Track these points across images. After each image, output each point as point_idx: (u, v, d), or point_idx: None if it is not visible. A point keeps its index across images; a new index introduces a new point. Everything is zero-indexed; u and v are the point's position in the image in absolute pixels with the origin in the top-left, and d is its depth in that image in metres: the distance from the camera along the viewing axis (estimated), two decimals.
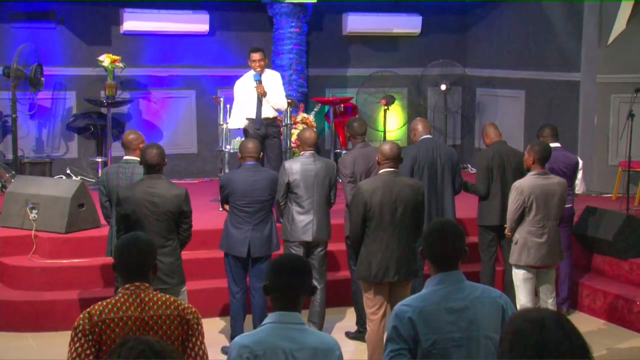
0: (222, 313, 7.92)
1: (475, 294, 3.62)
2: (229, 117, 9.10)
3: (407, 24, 12.47)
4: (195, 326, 3.64)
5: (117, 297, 3.61)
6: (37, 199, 8.34)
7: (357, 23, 12.19)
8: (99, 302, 3.61)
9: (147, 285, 3.66)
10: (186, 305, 3.69)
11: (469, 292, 3.61)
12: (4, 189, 9.55)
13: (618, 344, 7.41)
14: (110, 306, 3.56)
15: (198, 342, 3.64)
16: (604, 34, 10.61)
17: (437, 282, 3.62)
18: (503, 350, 2.46)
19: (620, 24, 10.42)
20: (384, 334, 5.90)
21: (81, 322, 3.52)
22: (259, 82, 8.62)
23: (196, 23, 11.49)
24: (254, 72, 8.71)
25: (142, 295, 3.61)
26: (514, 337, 2.43)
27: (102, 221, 7.92)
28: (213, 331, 7.49)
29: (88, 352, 3.47)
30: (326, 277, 7.29)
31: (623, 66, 10.32)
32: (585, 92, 10.80)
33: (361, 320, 7.35)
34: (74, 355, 3.47)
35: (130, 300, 3.59)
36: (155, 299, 3.63)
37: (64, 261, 8.00)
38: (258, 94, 8.62)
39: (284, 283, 3.45)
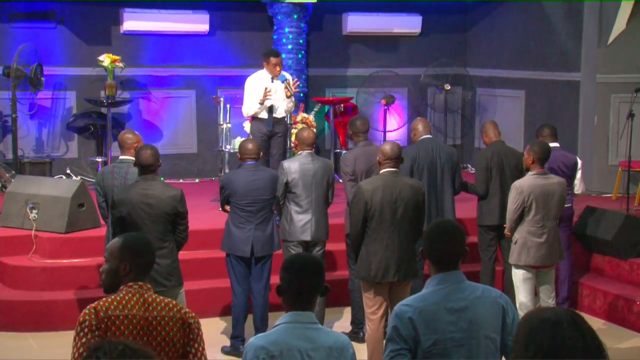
0: (222, 313, 7.92)
1: (475, 294, 3.61)
2: (245, 106, 8.79)
3: (407, 24, 12.47)
4: (197, 331, 3.65)
5: (121, 295, 3.61)
6: (37, 199, 8.34)
7: (357, 23, 12.19)
8: (104, 299, 3.61)
9: (149, 286, 3.68)
10: (187, 309, 3.71)
11: (469, 292, 3.61)
12: (4, 189, 9.56)
13: (618, 344, 7.41)
14: (115, 303, 3.57)
15: (200, 348, 3.65)
16: (604, 34, 10.60)
17: (438, 282, 3.62)
18: (518, 349, 2.43)
19: (620, 24, 10.42)
20: (384, 334, 5.91)
21: (87, 317, 3.51)
22: (284, 82, 8.60)
23: (196, 23, 11.49)
24: (276, 74, 8.65)
25: (146, 295, 3.62)
26: (528, 336, 2.39)
27: (102, 221, 7.92)
28: (213, 331, 7.50)
29: None
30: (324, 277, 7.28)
31: (623, 66, 10.33)
32: (585, 92, 10.80)
33: (356, 320, 7.36)
34: (82, 350, 3.45)
35: (135, 299, 3.60)
36: (157, 300, 3.64)
37: (64, 261, 8.00)
38: (286, 96, 8.61)
39: (298, 283, 3.44)
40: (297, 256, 3.72)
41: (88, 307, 3.57)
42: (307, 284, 3.46)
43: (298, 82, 8.94)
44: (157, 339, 3.55)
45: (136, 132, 7.13)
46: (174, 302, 3.70)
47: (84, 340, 3.47)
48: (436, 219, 6.97)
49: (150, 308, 3.59)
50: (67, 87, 11.21)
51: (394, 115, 12.22)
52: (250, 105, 8.70)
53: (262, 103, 8.58)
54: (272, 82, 8.66)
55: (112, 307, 3.55)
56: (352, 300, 7.39)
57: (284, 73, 8.83)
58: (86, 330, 3.49)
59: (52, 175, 10.62)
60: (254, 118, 8.76)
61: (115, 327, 3.51)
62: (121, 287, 3.66)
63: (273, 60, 8.67)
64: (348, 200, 7.09)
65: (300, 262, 3.54)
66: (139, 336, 3.53)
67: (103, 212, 6.90)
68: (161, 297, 3.68)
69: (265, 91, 8.54)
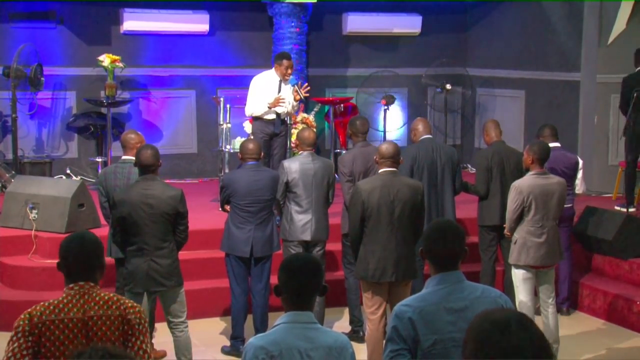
0: (222, 313, 7.92)
1: (475, 294, 3.62)
2: (249, 106, 8.80)
3: (407, 24, 12.47)
4: (137, 326, 3.57)
5: (60, 298, 3.56)
6: (37, 199, 8.34)
7: (357, 23, 12.20)
8: (42, 303, 3.56)
9: (92, 284, 3.59)
10: (130, 304, 3.62)
11: (469, 292, 3.61)
12: (4, 189, 9.56)
13: (618, 344, 7.41)
14: (52, 307, 3.52)
15: (138, 342, 3.57)
16: (604, 34, 10.61)
17: (437, 282, 3.62)
18: (467, 352, 2.44)
19: (620, 24, 10.42)
20: (383, 334, 5.91)
21: (21, 322, 3.49)
22: (294, 86, 8.65)
23: (196, 23, 11.49)
24: (287, 77, 8.70)
25: (86, 296, 3.55)
26: (477, 338, 2.40)
27: (103, 221, 7.92)
28: (213, 331, 7.50)
29: (25, 352, 3.44)
30: (325, 277, 7.29)
31: (623, 66, 10.30)
32: (585, 92, 10.80)
33: (355, 319, 7.36)
34: (10, 354, 3.43)
35: (74, 301, 3.54)
36: (97, 298, 3.57)
37: None
38: (295, 99, 8.69)
39: (296, 283, 3.43)
40: (294, 256, 3.71)
41: (25, 311, 3.53)
42: (305, 283, 3.45)
43: (309, 87, 8.93)
44: (94, 339, 3.50)
45: (139, 132, 7.12)
46: (115, 297, 3.63)
47: (15, 345, 3.45)
48: (436, 219, 6.97)
49: (88, 308, 3.53)
50: (67, 87, 11.22)
51: (394, 115, 12.22)
52: (256, 105, 8.70)
53: (270, 107, 8.58)
54: (281, 84, 8.67)
55: (47, 312, 3.50)
56: (349, 299, 7.40)
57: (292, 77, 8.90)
58: (19, 335, 3.46)
59: (52, 175, 10.62)
60: (256, 118, 8.75)
61: (50, 332, 3.47)
62: (64, 289, 3.60)
63: (286, 62, 8.67)
64: (345, 201, 7.10)
65: (297, 262, 3.53)
66: (77, 339, 3.48)
67: (105, 212, 6.89)
68: (103, 294, 3.60)
69: (278, 99, 8.55)
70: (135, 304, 3.66)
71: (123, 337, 3.54)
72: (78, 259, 3.59)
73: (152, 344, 3.72)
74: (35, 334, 3.46)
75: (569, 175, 7.65)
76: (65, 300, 3.54)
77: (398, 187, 6.20)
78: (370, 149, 7.27)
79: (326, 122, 12.04)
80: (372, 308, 6.26)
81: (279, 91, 8.71)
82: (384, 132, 11.44)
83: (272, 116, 8.67)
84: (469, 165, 12.29)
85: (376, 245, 6.19)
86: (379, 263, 6.18)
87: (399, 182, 6.24)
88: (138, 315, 3.59)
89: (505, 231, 6.98)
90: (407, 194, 6.20)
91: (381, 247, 6.18)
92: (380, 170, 6.33)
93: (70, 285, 3.58)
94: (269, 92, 8.65)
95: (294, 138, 9.52)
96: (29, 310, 3.53)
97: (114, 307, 3.56)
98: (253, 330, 6.99)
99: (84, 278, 3.58)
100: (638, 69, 9.33)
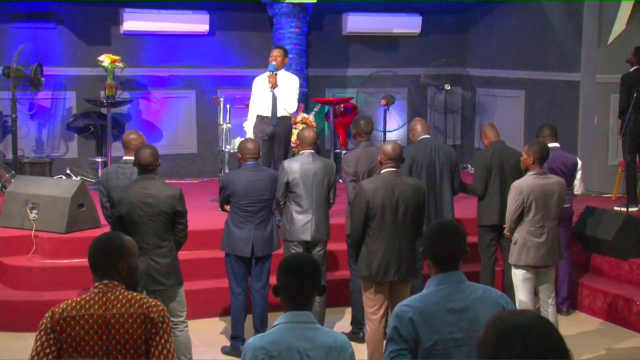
0: (222, 313, 7.92)
1: (476, 294, 3.62)
2: (248, 117, 8.96)
3: (407, 24, 12.47)
4: (160, 324, 3.58)
5: (84, 296, 3.60)
6: (37, 199, 8.34)
7: (357, 23, 12.20)
8: (66, 300, 3.60)
9: (116, 283, 3.62)
10: (153, 303, 3.63)
11: (469, 292, 3.61)
12: (4, 189, 9.55)
13: (618, 344, 7.41)
14: (74, 304, 3.56)
15: (162, 341, 3.57)
16: (604, 34, 10.61)
17: (438, 283, 3.62)
18: (485, 353, 2.43)
19: (620, 24, 10.43)
20: (384, 334, 5.90)
21: (44, 320, 3.52)
22: (272, 72, 8.64)
23: (196, 23, 11.49)
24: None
25: (109, 294, 3.58)
26: (497, 341, 2.39)
27: (103, 221, 7.91)
28: (213, 331, 7.50)
29: (48, 350, 3.47)
30: (326, 277, 7.30)
31: (623, 66, 10.30)
32: (585, 92, 10.80)
33: (356, 320, 7.36)
34: (34, 353, 3.47)
35: (96, 298, 3.57)
36: (120, 297, 3.59)
37: (64, 261, 8.00)
38: (269, 83, 8.63)
39: (294, 283, 3.43)
40: (292, 256, 3.71)
41: (50, 309, 3.57)
42: (304, 283, 3.45)
43: (274, 80, 8.82)
44: (116, 337, 3.51)
45: (140, 133, 7.14)
46: (139, 296, 3.64)
47: (38, 343, 3.48)
48: (436, 219, 6.97)
49: (111, 306, 3.55)
50: (67, 87, 11.21)
51: (394, 115, 12.22)
52: (250, 109, 8.82)
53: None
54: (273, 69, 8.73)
55: (69, 308, 3.54)
56: (353, 300, 7.39)
57: (286, 72, 8.90)
58: (42, 333, 3.49)
59: (52, 175, 10.62)
60: (256, 117, 8.79)
61: (71, 328, 3.49)
62: (91, 288, 3.65)
63: (272, 52, 8.83)
64: (349, 200, 7.10)
65: (295, 262, 3.53)
66: (97, 335, 3.50)
67: (106, 212, 6.88)
68: (126, 294, 3.61)
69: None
70: (158, 303, 3.67)
71: (146, 336, 3.55)
72: (100, 258, 3.64)
73: None
74: (57, 330, 3.49)
75: (568, 176, 7.65)
76: (87, 298, 3.58)
77: (401, 186, 6.21)
78: (374, 148, 7.28)
79: (326, 122, 12.04)
80: (373, 308, 6.26)
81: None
82: (384, 132, 11.44)
83: (268, 113, 8.67)
84: (469, 166, 12.29)
85: (379, 245, 6.20)
86: (382, 262, 6.18)
87: (401, 182, 6.26)
88: (161, 314, 3.60)
89: (505, 231, 6.98)
90: (410, 193, 6.22)
91: (384, 246, 6.19)
92: (382, 171, 6.34)
93: (96, 284, 3.62)
94: (263, 92, 8.70)
95: (294, 138, 9.53)
96: (53, 308, 3.57)
97: (136, 305, 3.58)
98: (253, 330, 6.99)
99: (108, 277, 3.62)
100: (634, 67, 9.33)
